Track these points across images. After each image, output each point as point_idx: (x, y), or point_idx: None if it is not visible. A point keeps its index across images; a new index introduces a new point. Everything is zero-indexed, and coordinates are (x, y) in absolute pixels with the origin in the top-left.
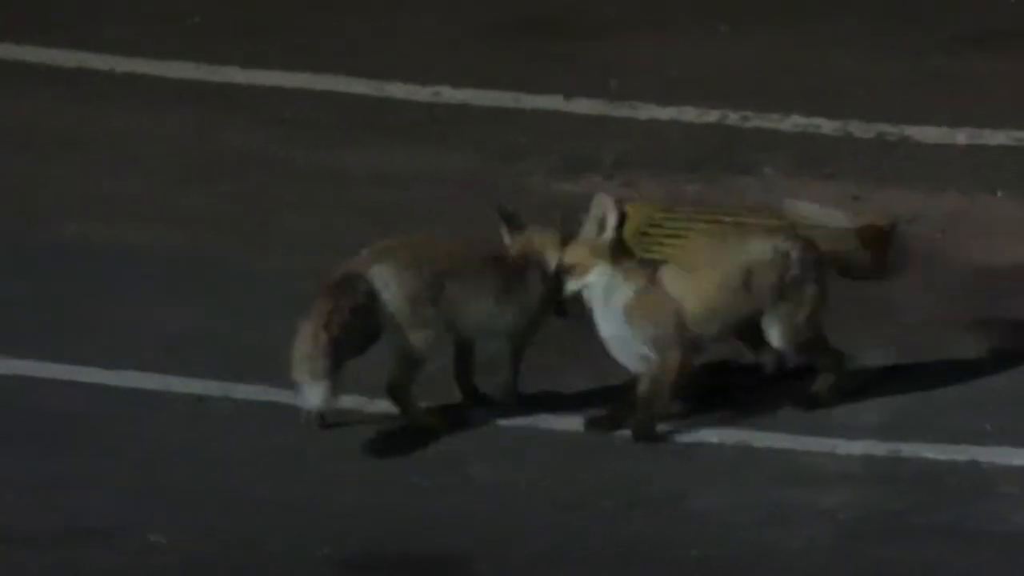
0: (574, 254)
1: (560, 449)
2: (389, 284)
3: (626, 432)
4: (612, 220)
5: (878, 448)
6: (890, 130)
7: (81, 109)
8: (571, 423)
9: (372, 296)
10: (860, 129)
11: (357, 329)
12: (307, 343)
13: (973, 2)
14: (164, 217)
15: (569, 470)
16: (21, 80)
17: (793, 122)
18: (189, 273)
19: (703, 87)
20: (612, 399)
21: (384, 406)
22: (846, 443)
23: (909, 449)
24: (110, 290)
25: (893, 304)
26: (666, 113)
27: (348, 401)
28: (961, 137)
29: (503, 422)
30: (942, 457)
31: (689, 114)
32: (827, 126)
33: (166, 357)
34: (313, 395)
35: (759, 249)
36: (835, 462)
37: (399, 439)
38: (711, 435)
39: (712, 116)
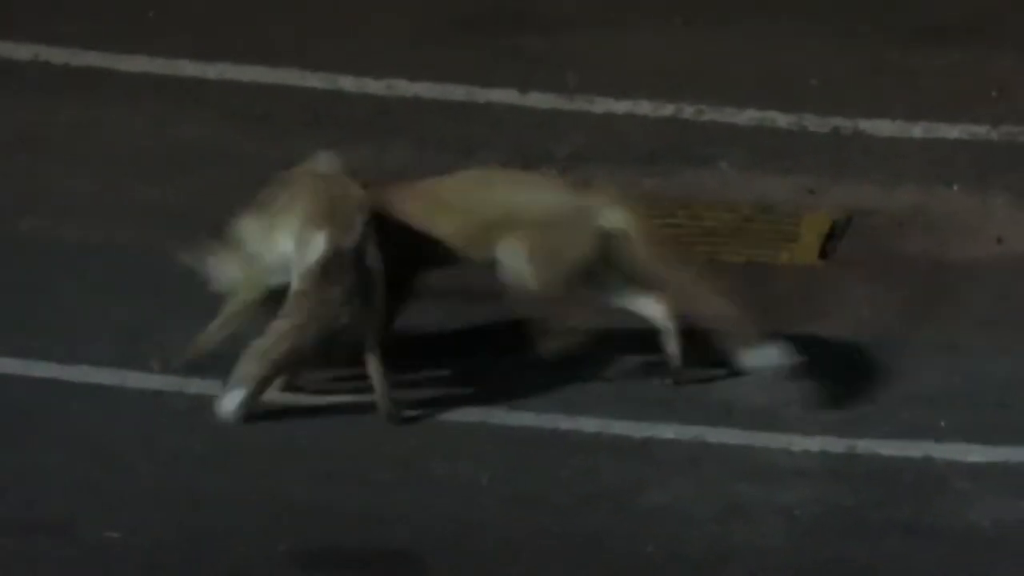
0: None
1: (515, 444)
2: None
3: (582, 427)
4: None
5: (833, 444)
6: (845, 124)
7: (35, 103)
8: (525, 418)
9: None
10: (815, 123)
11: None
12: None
13: None
14: (119, 212)
15: (525, 465)
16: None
17: (748, 116)
18: (144, 268)
19: (658, 81)
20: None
21: (343, 399)
22: (801, 439)
23: (864, 445)
24: (66, 285)
25: (847, 298)
26: (621, 107)
27: (302, 398)
28: (917, 131)
29: (459, 417)
30: (897, 453)
31: (644, 108)
32: (782, 120)
33: (122, 352)
34: (228, 402)
35: None
36: (790, 458)
37: (356, 434)
38: (666, 430)
39: (667, 110)
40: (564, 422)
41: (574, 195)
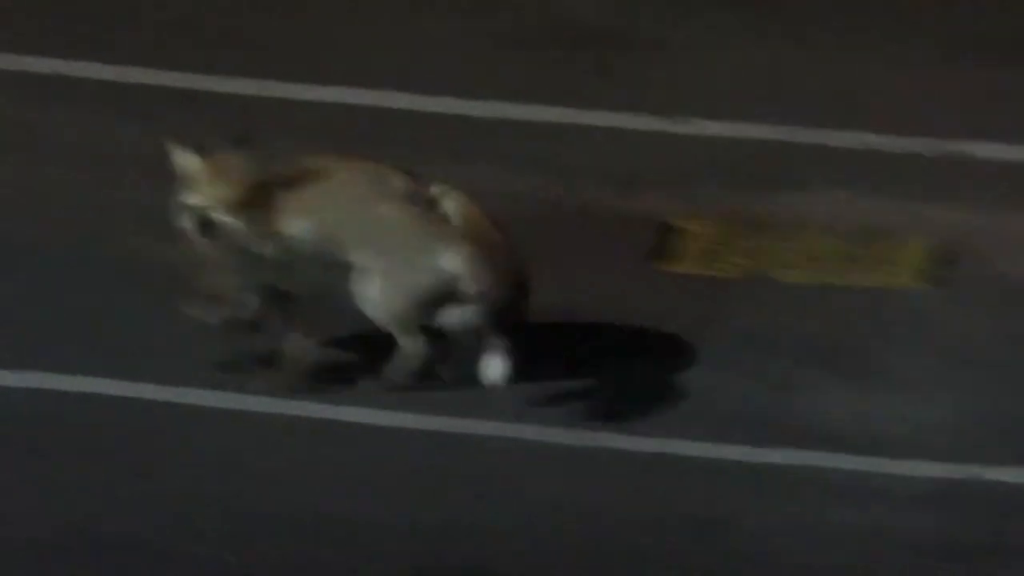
0: None
1: (615, 467)
2: None
3: (678, 450)
4: None
5: (952, 471)
6: (953, 146)
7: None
8: (636, 443)
9: None
10: (923, 146)
11: None
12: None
13: None
14: None
15: (626, 488)
16: (90, 98)
17: (855, 139)
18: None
19: (765, 104)
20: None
21: (442, 423)
22: (918, 465)
23: (984, 472)
24: (166, 308)
25: (956, 324)
26: (726, 130)
27: (410, 419)
28: None
29: (567, 441)
30: (1018, 480)
31: (749, 131)
32: (890, 143)
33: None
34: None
35: None
36: (907, 484)
37: (463, 456)
38: (775, 455)
39: (774, 133)
40: (673, 446)
41: (425, 225)
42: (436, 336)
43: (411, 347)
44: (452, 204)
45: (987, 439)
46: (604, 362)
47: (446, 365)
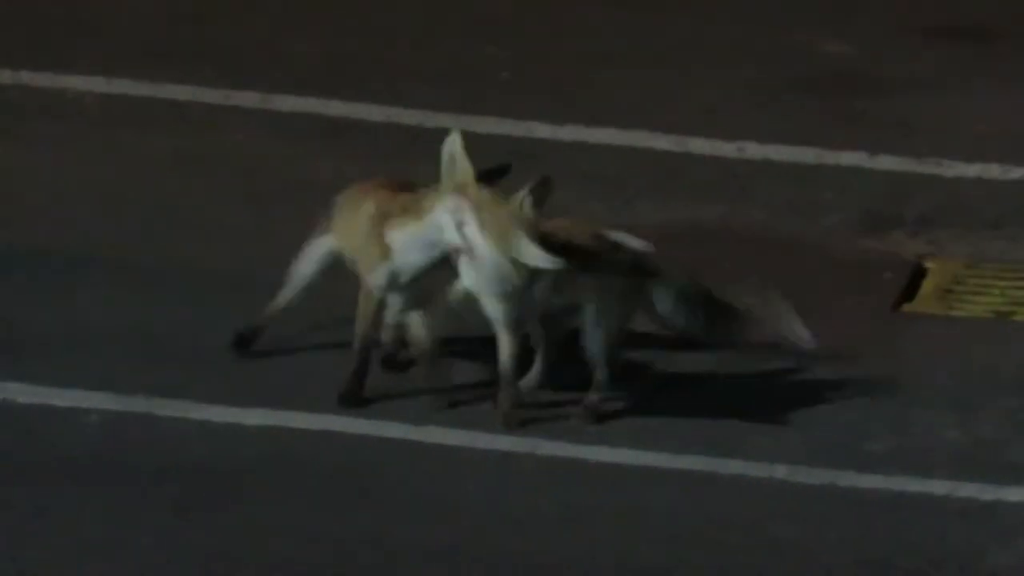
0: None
1: (855, 506)
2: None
3: (930, 489)
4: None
5: None
6: None
7: (388, 165)
8: (873, 480)
9: None
10: None
11: None
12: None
13: None
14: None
15: (865, 528)
16: (327, 135)
17: None
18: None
19: (1008, 144)
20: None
21: (689, 462)
22: None
23: None
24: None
25: None
26: (971, 170)
27: (650, 458)
28: None
29: (806, 480)
30: None
31: (994, 171)
32: None
33: (470, 412)
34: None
35: None
36: None
37: (701, 498)
38: (1012, 493)
39: (1017, 173)
40: (912, 484)
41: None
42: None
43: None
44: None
45: None
46: (847, 402)
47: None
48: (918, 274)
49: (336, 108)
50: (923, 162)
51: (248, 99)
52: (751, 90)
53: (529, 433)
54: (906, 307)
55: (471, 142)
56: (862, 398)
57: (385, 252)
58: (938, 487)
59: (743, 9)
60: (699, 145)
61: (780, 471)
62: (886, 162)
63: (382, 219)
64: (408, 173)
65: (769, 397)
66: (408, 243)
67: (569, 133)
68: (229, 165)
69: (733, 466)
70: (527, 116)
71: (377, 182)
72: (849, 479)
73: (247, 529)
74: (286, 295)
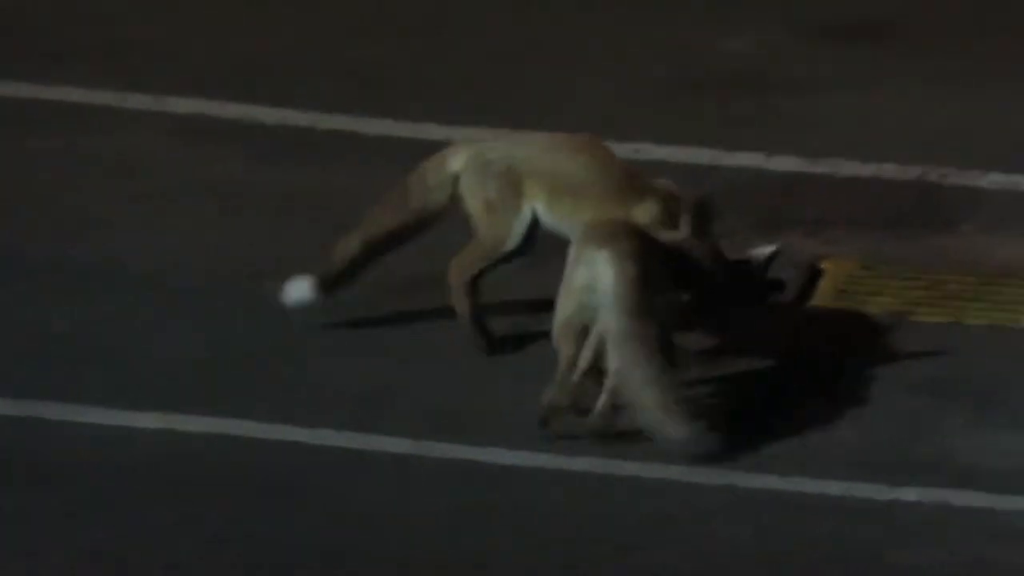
0: None
1: (751, 507)
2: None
3: (826, 489)
4: None
5: None
6: None
7: (282, 166)
8: (769, 480)
9: None
10: None
11: None
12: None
13: None
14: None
15: (761, 528)
16: (221, 137)
17: (993, 179)
18: (384, 328)
19: (903, 144)
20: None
21: (586, 463)
22: None
23: None
24: (310, 347)
25: None
26: (867, 170)
27: (548, 460)
28: None
29: (702, 480)
30: None
31: (889, 171)
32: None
33: (366, 415)
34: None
35: None
36: None
37: (608, 496)
38: (909, 492)
39: (912, 173)
40: (809, 485)
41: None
42: None
43: None
44: None
45: None
46: (741, 399)
47: None
48: (814, 275)
49: (230, 110)
50: (819, 162)
51: (142, 101)
52: (648, 90)
53: (425, 435)
54: (805, 306)
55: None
56: (759, 398)
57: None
58: (834, 487)
59: (641, 8)
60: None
61: (676, 472)
62: (783, 163)
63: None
64: (299, 174)
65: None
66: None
67: (465, 135)
68: (123, 167)
69: (628, 467)
70: (422, 117)
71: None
72: (745, 479)
73: (139, 532)
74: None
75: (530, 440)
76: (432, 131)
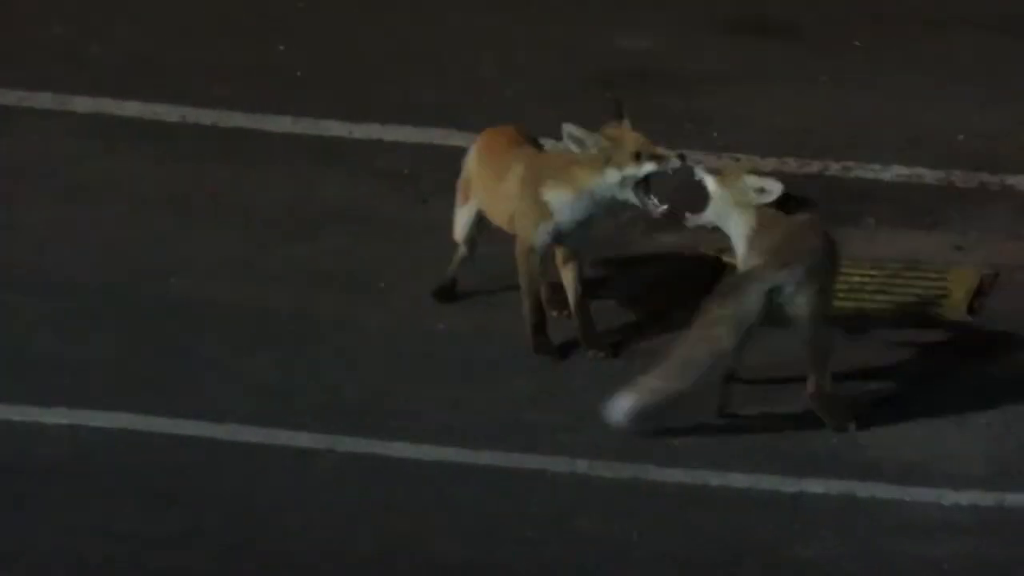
0: None
1: (657, 500)
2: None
3: (731, 482)
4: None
5: (984, 498)
6: (992, 179)
7: (184, 164)
8: (675, 474)
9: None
10: (962, 179)
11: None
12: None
13: None
14: (265, 271)
15: (667, 521)
16: (124, 136)
17: (895, 172)
18: (292, 326)
19: (804, 138)
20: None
21: (488, 457)
22: (952, 493)
23: (1015, 499)
24: (215, 345)
25: (995, 353)
26: (768, 164)
27: (451, 454)
28: None
29: (609, 474)
30: None
31: (791, 165)
32: (929, 176)
33: (271, 410)
34: (614, 409)
35: None
36: (940, 512)
37: (508, 491)
38: (815, 485)
39: (814, 167)
40: (714, 478)
41: None
42: None
43: None
44: None
45: (1017, 467)
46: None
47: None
48: (718, 268)
49: (132, 108)
50: (721, 157)
51: (44, 100)
52: (552, 86)
53: (330, 430)
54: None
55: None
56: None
57: (545, 212)
58: (739, 480)
59: (544, 6)
60: None
61: (582, 466)
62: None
63: (535, 181)
64: (203, 173)
65: (570, 392)
66: (571, 206)
67: (365, 131)
68: (25, 166)
69: (535, 461)
70: (323, 114)
71: (507, 137)
72: (651, 473)
73: (46, 528)
74: (459, 255)
75: (433, 434)
76: (333, 127)
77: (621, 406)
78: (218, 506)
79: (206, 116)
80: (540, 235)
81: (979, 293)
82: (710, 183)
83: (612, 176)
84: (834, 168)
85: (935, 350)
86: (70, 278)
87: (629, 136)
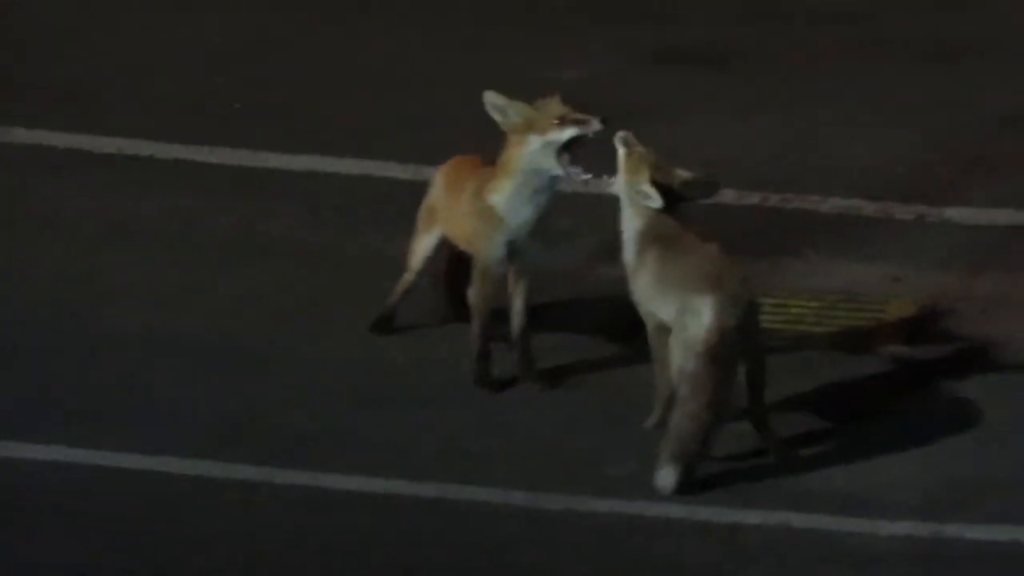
0: None
1: (594, 530)
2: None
3: (668, 512)
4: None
5: (920, 529)
6: (930, 211)
7: (121, 196)
8: (612, 504)
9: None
10: (900, 211)
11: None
12: (689, 423)
13: (1010, 82)
14: (203, 302)
15: (604, 551)
16: (64, 167)
17: (833, 204)
18: (232, 357)
19: (744, 170)
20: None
21: (425, 488)
22: (888, 524)
23: (951, 530)
24: (153, 376)
25: (933, 384)
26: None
27: (388, 486)
28: (1001, 217)
29: (546, 505)
30: (984, 538)
31: (729, 196)
32: (867, 207)
33: (214, 442)
34: (664, 479)
35: None
36: (876, 543)
37: (446, 523)
38: (751, 516)
39: (753, 198)
40: (650, 508)
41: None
42: None
43: None
44: None
45: (953, 498)
46: (586, 427)
47: None
48: None
49: (69, 140)
50: None
51: None
52: (488, 118)
53: (267, 462)
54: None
55: None
56: (600, 423)
57: (494, 219)
58: (676, 510)
59: (480, 38)
60: (432, 174)
61: (518, 497)
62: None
63: (482, 193)
64: (140, 204)
65: (507, 423)
66: (513, 199)
67: (303, 163)
68: None
69: (470, 492)
70: (260, 146)
71: (470, 163)
72: (588, 503)
73: None
74: (405, 282)
75: (371, 466)
76: (271, 159)
77: (669, 478)
78: (154, 540)
79: (144, 148)
80: (496, 247)
81: (916, 325)
82: (620, 156)
83: (535, 143)
84: (773, 200)
85: (873, 381)
86: (5, 309)
87: (552, 103)
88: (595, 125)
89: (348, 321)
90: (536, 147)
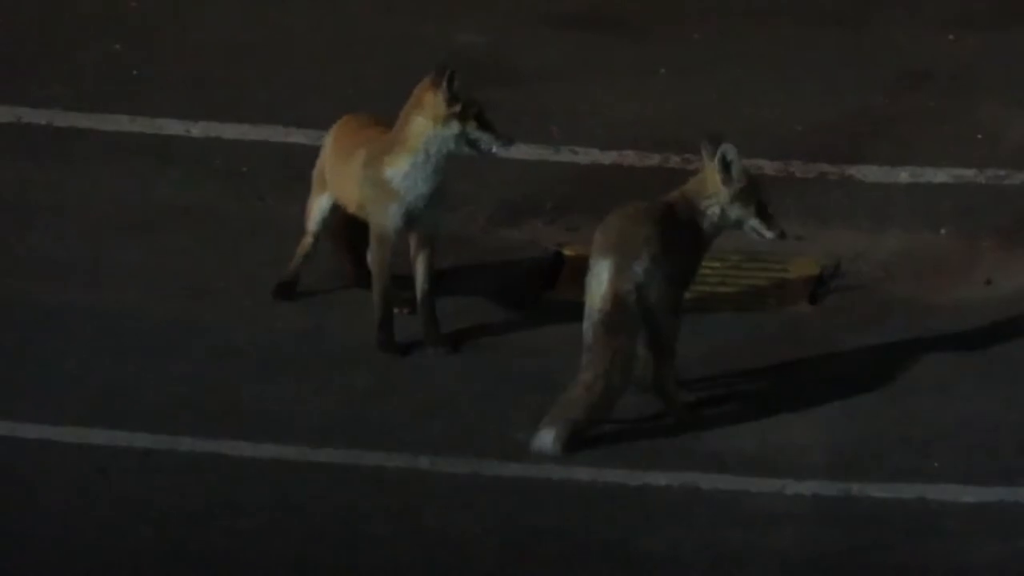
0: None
1: (499, 494)
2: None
3: (576, 476)
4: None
5: (826, 488)
6: (832, 170)
7: (16, 164)
8: (518, 468)
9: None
10: (801, 169)
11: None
12: (580, 391)
13: (911, 42)
14: (100, 272)
15: (510, 515)
16: None
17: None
18: (126, 328)
19: (644, 131)
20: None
21: (329, 454)
22: (794, 483)
23: (857, 488)
24: (48, 347)
25: (837, 343)
26: (607, 157)
27: (292, 452)
28: (903, 176)
29: (452, 469)
30: (890, 496)
31: (630, 158)
32: (769, 167)
33: (107, 412)
34: (542, 440)
35: None
36: (783, 503)
37: (351, 488)
38: (659, 477)
39: (654, 159)
40: (557, 472)
41: None
42: None
43: None
44: None
45: (858, 457)
46: (490, 391)
47: None
48: (557, 262)
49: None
50: (559, 151)
51: None
52: (387, 82)
53: (170, 430)
54: (553, 294)
55: None
56: (506, 387)
57: (390, 192)
58: (583, 473)
59: (379, 1)
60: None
61: (424, 462)
62: (522, 151)
63: (376, 163)
64: (39, 173)
65: (410, 388)
66: (410, 176)
67: (202, 129)
68: None
69: (374, 457)
70: (159, 113)
71: (360, 122)
72: (493, 467)
73: None
74: (304, 246)
75: (274, 433)
76: (170, 126)
77: (546, 440)
78: (56, 509)
79: (42, 116)
80: (392, 218)
81: (820, 283)
82: (725, 180)
83: (454, 127)
84: (674, 160)
85: (776, 340)
86: None
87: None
88: (505, 145)
89: (249, 287)
90: (454, 132)
